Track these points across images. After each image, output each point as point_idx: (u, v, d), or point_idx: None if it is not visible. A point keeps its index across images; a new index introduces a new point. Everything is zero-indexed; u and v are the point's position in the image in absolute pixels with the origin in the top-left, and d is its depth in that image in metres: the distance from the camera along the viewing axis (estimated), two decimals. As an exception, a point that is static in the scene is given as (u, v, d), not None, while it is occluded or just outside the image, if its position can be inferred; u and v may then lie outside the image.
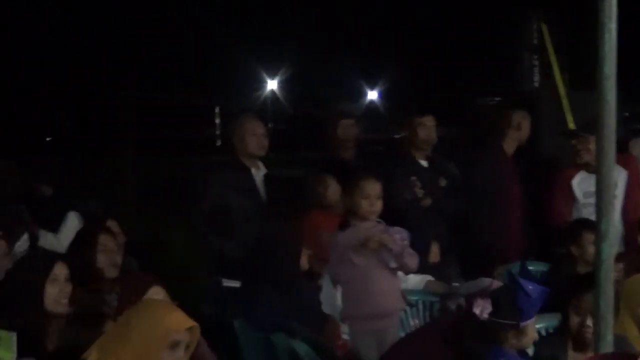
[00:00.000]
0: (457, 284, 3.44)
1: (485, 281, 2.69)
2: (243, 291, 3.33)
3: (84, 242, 3.22)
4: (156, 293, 2.60)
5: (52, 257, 2.82)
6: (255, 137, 3.78)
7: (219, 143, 16.62)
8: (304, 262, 3.25)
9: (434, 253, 3.81)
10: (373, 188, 3.31)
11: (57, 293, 2.59)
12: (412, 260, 3.18)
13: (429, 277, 3.61)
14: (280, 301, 3.02)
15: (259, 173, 3.85)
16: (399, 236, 3.18)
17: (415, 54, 25.43)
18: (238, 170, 3.81)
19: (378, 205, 3.28)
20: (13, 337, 2.35)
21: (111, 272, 3.08)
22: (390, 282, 3.23)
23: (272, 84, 25.65)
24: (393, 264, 3.18)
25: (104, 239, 3.16)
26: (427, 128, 4.03)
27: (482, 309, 2.23)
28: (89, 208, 4.26)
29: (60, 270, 2.66)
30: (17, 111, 21.37)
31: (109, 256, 3.14)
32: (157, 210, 4.41)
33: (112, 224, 3.43)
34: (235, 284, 3.50)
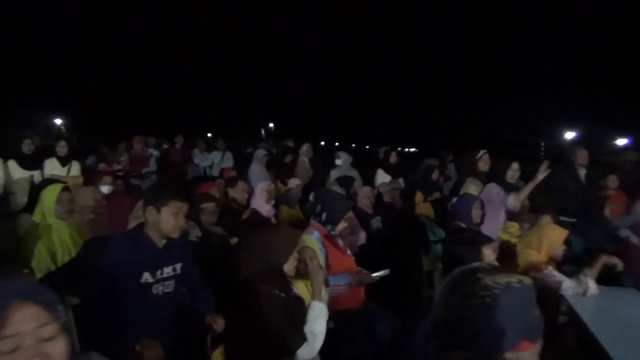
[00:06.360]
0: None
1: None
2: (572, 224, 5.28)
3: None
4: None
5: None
6: (583, 157, 6.14)
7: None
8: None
9: None
10: None
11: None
12: None
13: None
14: (593, 231, 5.18)
15: (582, 172, 6.15)
16: None
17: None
18: (572, 170, 6.11)
19: None
20: None
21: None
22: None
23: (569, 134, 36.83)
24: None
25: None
26: None
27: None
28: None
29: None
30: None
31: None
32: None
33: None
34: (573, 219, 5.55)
